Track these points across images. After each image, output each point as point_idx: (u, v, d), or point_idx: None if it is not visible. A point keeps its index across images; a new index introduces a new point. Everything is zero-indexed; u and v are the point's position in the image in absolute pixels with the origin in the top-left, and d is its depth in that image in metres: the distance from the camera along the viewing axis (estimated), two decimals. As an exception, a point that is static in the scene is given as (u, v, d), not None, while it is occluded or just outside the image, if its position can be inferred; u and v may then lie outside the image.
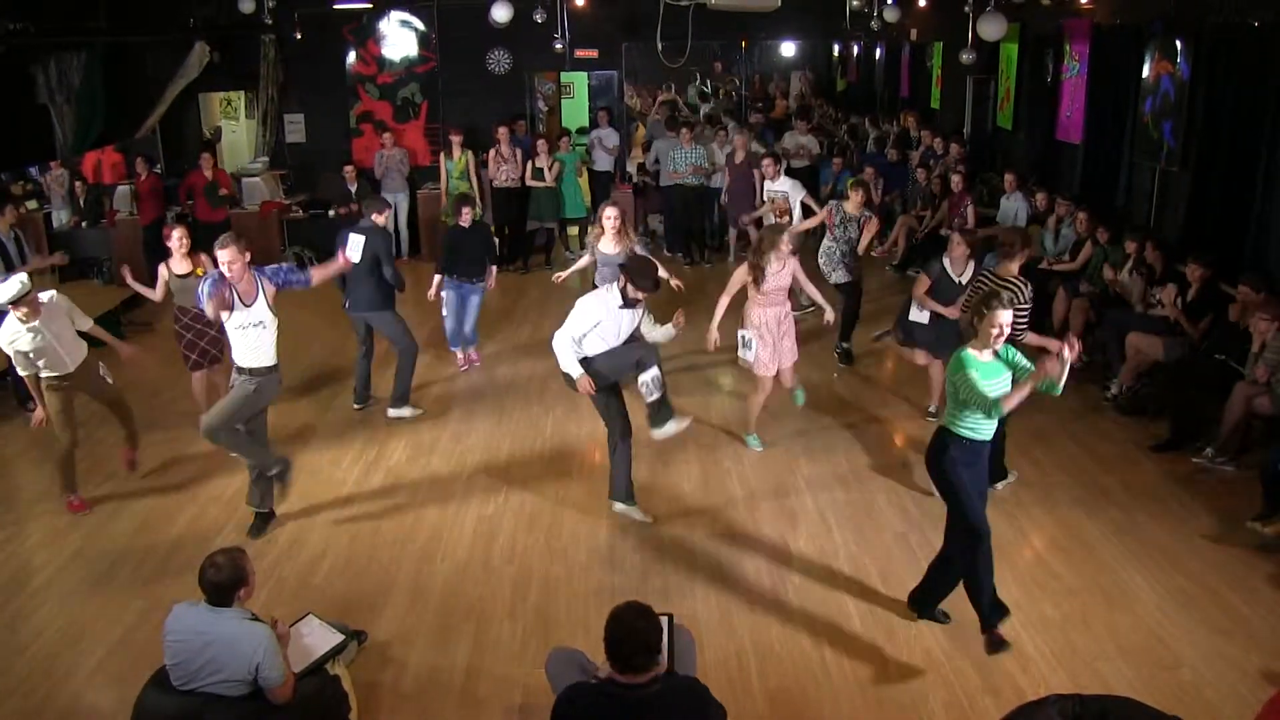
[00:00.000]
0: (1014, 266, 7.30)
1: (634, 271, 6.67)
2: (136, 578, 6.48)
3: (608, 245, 8.44)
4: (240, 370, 6.65)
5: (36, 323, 6.88)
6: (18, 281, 6.89)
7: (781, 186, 11.39)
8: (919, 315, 8.35)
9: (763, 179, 11.87)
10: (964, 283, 8.10)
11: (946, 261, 8.22)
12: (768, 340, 7.99)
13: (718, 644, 5.69)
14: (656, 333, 7.02)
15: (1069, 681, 5.28)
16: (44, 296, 7.06)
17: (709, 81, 24.75)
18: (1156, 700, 4.42)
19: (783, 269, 7.93)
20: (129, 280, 8.50)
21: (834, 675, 5.46)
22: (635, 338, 6.89)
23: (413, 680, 5.50)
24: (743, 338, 8.02)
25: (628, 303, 6.67)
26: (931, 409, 8.75)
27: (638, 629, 3.82)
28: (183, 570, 6.39)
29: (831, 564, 6.54)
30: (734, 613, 6.02)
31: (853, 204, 9.91)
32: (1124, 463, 7.86)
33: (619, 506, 7.17)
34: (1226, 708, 5.15)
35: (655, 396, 6.77)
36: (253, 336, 6.55)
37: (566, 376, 6.74)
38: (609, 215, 8.47)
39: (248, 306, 6.50)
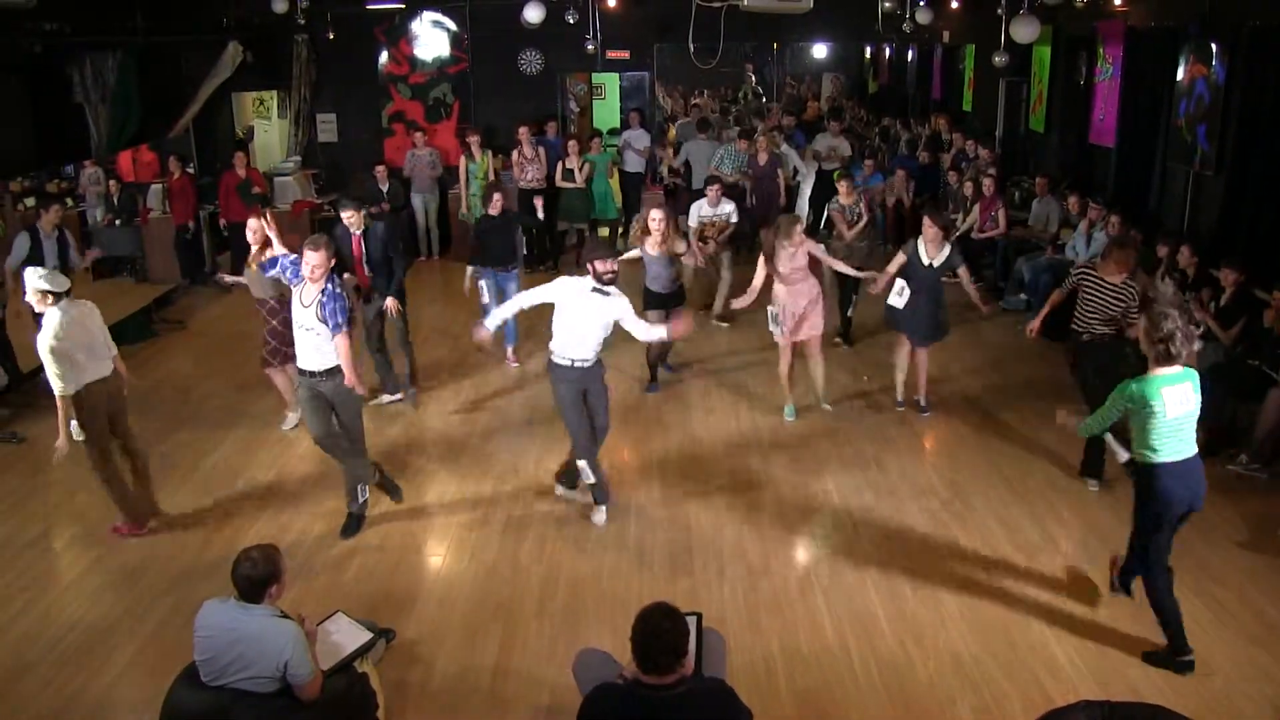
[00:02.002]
0: (1123, 275, 7.35)
1: (590, 252, 6.94)
2: (166, 574, 6.52)
3: (651, 247, 8.53)
4: (303, 374, 6.69)
5: (73, 312, 6.53)
6: (51, 274, 6.64)
7: (723, 209, 10.88)
8: (897, 300, 8.62)
9: (740, 189, 11.80)
10: (936, 266, 8.46)
11: (920, 243, 8.53)
12: (788, 315, 8.50)
13: (745, 646, 5.68)
14: (651, 331, 7.23)
15: (1099, 688, 5.25)
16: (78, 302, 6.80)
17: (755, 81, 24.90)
18: (1187, 708, 4.39)
19: (796, 253, 8.42)
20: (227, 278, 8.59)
21: (862, 678, 5.44)
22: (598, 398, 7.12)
23: (440, 679, 5.52)
24: (771, 314, 8.59)
25: (602, 282, 6.75)
26: (922, 401, 8.97)
27: (664, 630, 3.81)
28: (213, 567, 6.43)
29: (859, 567, 6.51)
30: (762, 615, 6.01)
31: (844, 194, 10.32)
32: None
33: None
34: (1259, 716, 5.10)
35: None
36: (313, 339, 6.57)
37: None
38: (654, 217, 8.60)
39: (306, 307, 6.54)
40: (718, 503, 7.40)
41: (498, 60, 15.42)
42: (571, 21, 13.88)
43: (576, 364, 6.91)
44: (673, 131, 18.58)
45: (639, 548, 6.80)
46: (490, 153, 13.85)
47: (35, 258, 8.90)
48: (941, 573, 6.42)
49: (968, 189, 13.06)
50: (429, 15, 15.33)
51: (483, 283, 9.86)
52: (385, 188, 14.24)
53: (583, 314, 6.82)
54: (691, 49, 11.03)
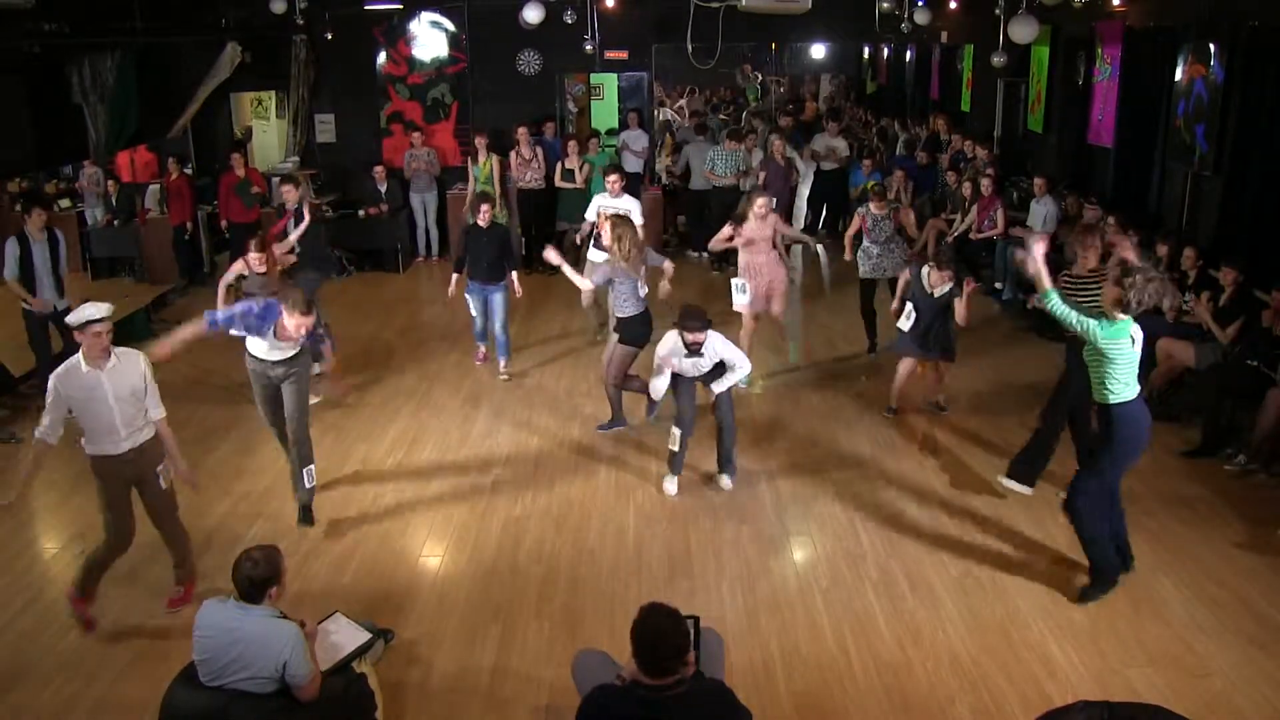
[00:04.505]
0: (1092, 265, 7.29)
1: (683, 319, 7.09)
2: (167, 573, 6.50)
3: (623, 265, 8.23)
4: (272, 363, 6.82)
5: (102, 373, 5.71)
6: (103, 307, 5.74)
7: (622, 204, 10.12)
8: (905, 324, 8.71)
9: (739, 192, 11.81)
10: (937, 295, 8.50)
11: (925, 271, 8.58)
12: (753, 282, 9.23)
13: (744, 647, 5.69)
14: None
15: (1097, 689, 5.25)
16: (124, 349, 5.91)
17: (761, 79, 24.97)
18: (1186, 709, 4.38)
19: (763, 223, 9.21)
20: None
21: (860, 679, 5.44)
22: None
23: (439, 679, 5.52)
24: (738, 284, 9.22)
25: (690, 350, 7.15)
26: (941, 401, 9.05)
27: (664, 631, 3.81)
28: (213, 567, 6.44)
29: (858, 567, 6.52)
30: (760, 615, 6.02)
31: (876, 205, 10.14)
32: (1155, 469, 7.79)
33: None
34: (1258, 717, 5.10)
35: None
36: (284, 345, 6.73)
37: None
38: (606, 233, 8.47)
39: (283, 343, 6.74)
40: (715, 503, 7.40)
41: (496, 60, 15.40)
42: (570, 22, 13.86)
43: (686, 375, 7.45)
44: (669, 137, 18.60)
45: (638, 548, 6.80)
46: (496, 157, 13.84)
47: (26, 262, 8.88)
48: (940, 573, 6.42)
49: (966, 189, 13.05)
50: (427, 16, 15.30)
51: (469, 297, 9.77)
52: (384, 188, 14.25)
53: (684, 367, 7.32)
54: (690, 49, 11.02)
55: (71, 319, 5.69)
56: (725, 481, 7.62)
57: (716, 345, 7.20)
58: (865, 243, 10.19)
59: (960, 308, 8.35)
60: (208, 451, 8.34)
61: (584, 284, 8.86)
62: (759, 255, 9.32)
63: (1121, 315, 5.64)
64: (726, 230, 9.40)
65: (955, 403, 9.06)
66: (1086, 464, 6.15)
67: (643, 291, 8.18)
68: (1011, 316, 11.58)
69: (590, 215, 10.45)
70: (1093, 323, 5.64)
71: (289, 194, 9.88)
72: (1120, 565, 6.24)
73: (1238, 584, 6.23)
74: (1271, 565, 6.43)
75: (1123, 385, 5.73)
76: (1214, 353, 8.30)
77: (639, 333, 8.28)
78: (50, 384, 5.70)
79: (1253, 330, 8.09)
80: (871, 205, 10.16)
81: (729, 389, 7.44)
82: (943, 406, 9.02)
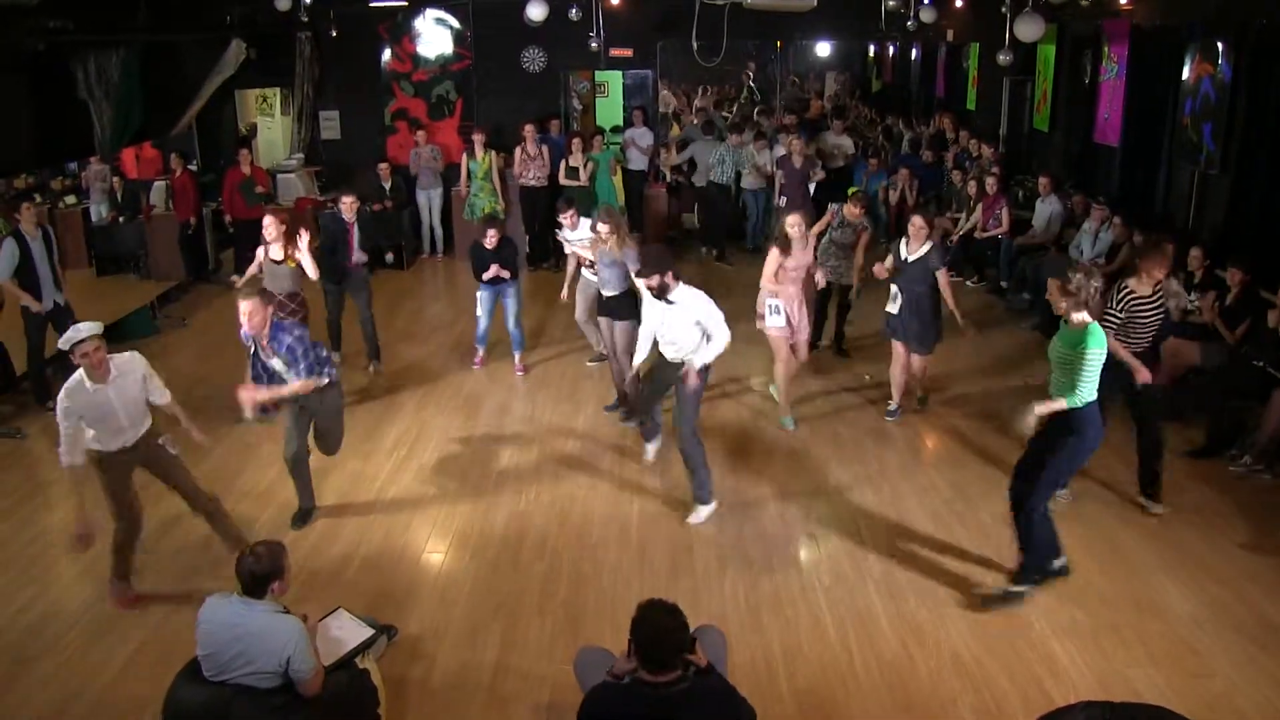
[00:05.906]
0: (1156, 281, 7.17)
1: (641, 264, 7.05)
2: (170, 570, 6.52)
3: (611, 248, 8.38)
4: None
5: (108, 388, 5.82)
6: (83, 327, 5.76)
7: (583, 233, 9.25)
8: (892, 306, 8.60)
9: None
10: (911, 260, 8.38)
11: (903, 242, 8.51)
12: (789, 310, 8.53)
13: (746, 644, 5.69)
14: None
15: (1099, 689, 5.25)
16: (121, 357, 6.02)
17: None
18: (1188, 709, 4.37)
19: (804, 246, 8.59)
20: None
21: (862, 678, 5.44)
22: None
23: (441, 675, 5.53)
24: (772, 305, 8.51)
25: (656, 295, 6.93)
26: (892, 407, 8.89)
27: (664, 627, 3.82)
28: (215, 564, 6.44)
29: (860, 566, 6.52)
30: (763, 613, 6.02)
31: (850, 211, 9.95)
32: (1158, 468, 7.79)
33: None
34: (1259, 717, 5.10)
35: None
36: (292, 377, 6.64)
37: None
38: (603, 229, 8.36)
39: (270, 358, 6.63)
40: (718, 502, 7.39)
41: (501, 58, 15.39)
42: (575, 19, 13.87)
43: (665, 357, 7.20)
44: (676, 129, 18.61)
45: (640, 546, 6.81)
46: (494, 152, 13.84)
47: (25, 262, 8.82)
48: (943, 572, 6.42)
49: (971, 188, 13.05)
50: (432, 13, 15.29)
51: (480, 293, 9.71)
52: (388, 185, 14.26)
53: (656, 321, 7.08)
54: (695, 47, 11.00)
55: (62, 343, 5.76)
56: (695, 514, 7.18)
57: (692, 303, 6.83)
58: (824, 240, 10.06)
59: (943, 281, 8.34)
60: (211, 447, 8.33)
61: (586, 254, 8.91)
62: (793, 285, 8.56)
63: (1087, 317, 5.67)
64: (773, 263, 8.48)
65: (956, 402, 9.05)
66: (1046, 469, 5.98)
67: (634, 269, 7.98)
68: (1015, 316, 11.55)
69: (569, 249, 9.70)
70: (1095, 355, 5.62)
71: (348, 206, 9.78)
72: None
73: (1241, 584, 6.22)
74: (1274, 566, 6.41)
75: (1091, 389, 5.67)
76: (1220, 353, 8.29)
77: (632, 304, 8.26)
78: (59, 405, 5.74)
79: (1258, 330, 8.07)
80: (846, 207, 9.96)
81: (694, 416, 7.12)
82: (922, 398, 8.99)
